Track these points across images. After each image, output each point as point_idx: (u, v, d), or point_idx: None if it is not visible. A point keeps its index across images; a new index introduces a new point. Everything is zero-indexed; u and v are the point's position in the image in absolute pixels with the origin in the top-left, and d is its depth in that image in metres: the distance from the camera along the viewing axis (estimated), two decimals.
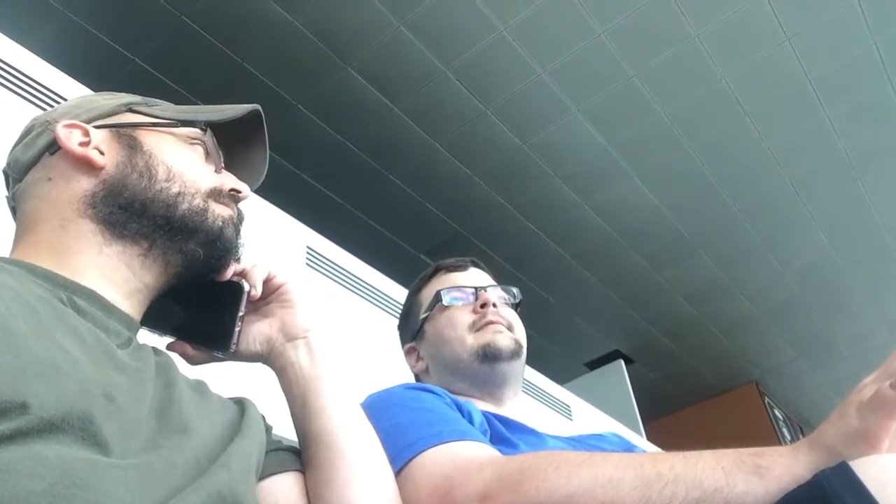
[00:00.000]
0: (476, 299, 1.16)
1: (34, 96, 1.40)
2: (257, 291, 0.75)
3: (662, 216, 3.56)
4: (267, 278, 0.77)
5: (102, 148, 0.69)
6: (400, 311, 1.32)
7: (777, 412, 5.13)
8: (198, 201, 0.70)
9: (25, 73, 1.40)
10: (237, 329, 0.74)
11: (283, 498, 0.69)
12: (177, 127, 0.74)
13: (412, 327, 1.22)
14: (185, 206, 0.68)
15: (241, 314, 0.74)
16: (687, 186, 3.40)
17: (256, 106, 0.79)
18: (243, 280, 0.75)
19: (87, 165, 0.68)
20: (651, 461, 0.68)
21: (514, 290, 1.22)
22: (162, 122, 0.73)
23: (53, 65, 1.47)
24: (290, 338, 0.77)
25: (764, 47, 2.77)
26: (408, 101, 2.85)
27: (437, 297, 1.17)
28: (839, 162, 3.36)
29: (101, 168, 0.68)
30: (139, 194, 0.67)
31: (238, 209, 0.76)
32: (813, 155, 3.31)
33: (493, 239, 3.58)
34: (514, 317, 1.18)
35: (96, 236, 0.66)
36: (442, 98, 2.84)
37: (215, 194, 0.72)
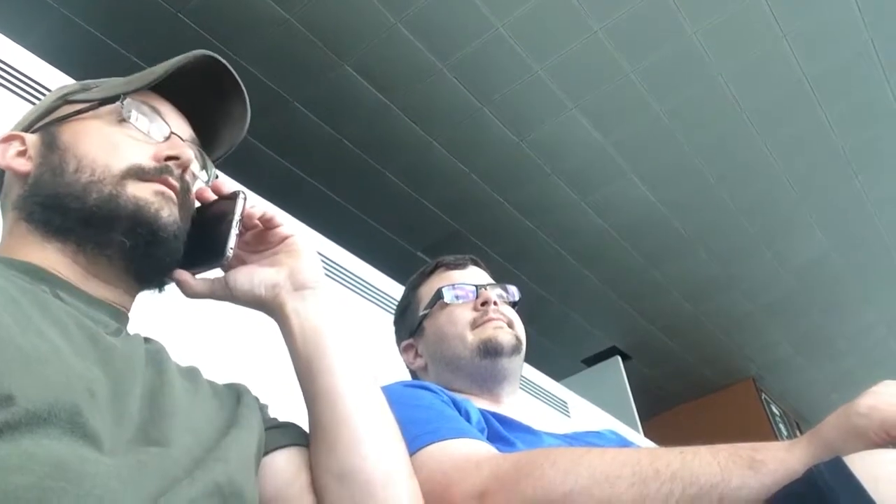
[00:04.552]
0: (477, 297, 1.16)
1: (31, 94, 1.39)
2: (257, 212, 0.74)
3: (660, 213, 3.56)
4: (273, 221, 0.75)
5: (32, 153, 0.70)
6: (396, 307, 1.32)
7: (774, 408, 5.14)
8: (107, 188, 0.66)
9: (22, 70, 1.40)
10: (234, 233, 0.71)
11: (280, 474, 0.68)
12: (97, 108, 0.71)
13: (410, 323, 1.22)
14: (94, 195, 0.65)
15: (238, 219, 0.72)
16: (684, 184, 3.40)
17: (202, 52, 0.74)
18: (240, 191, 0.73)
19: (16, 175, 0.70)
20: (648, 457, 0.68)
21: (513, 288, 1.23)
22: (84, 109, 0.72)
23: (50, 62, 1.47)
24: (298, 286, 0.74)
25: (760, 44, 2.77)
26: (404, 98, 2.85)
27: (439, 295, 1.17)
28: (837, 159, 3.37)
29: (27, 174, 0.69)
30: (51, 191, 0.67)
31: (180, 181, 0.71)
32: (810, 152, 3.31)
33: (490, 236, 3.58)
34: (513, 314, 1.19)
35: (33, 235, 0.67)
36: (439, 95, 2.84)
37: (134, 173, 0.67)
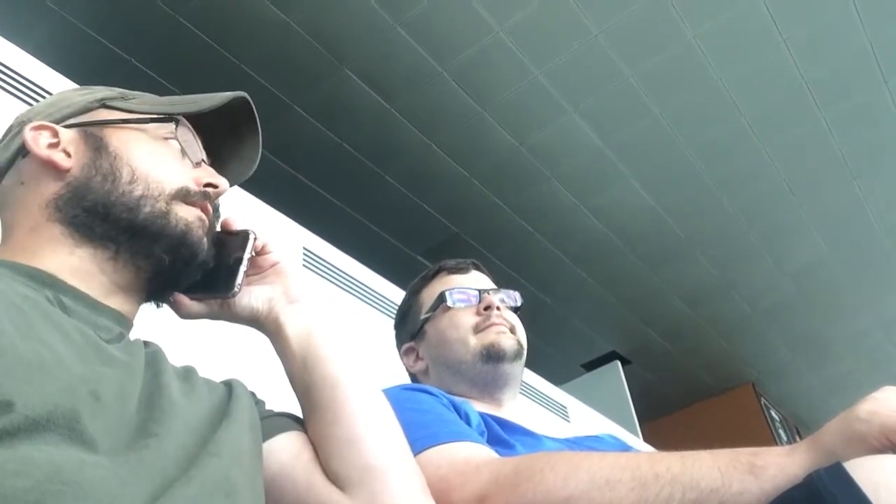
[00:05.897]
0: (479, 301, 1.16)
1: (31, 98, 1.39)
2: (262, 243, 0.77)
3: (659, 217, 3.57)
4: (265, 249, 0.78)
5: (70, 149, 0.68)
6: (397, 311, 1.32)
7: (773, 413, 5.14)
8: (160, 204, 0.67)
9: (22, 74, 1.40)
10: (243, 269, 0.74)
11: (282, 455, 0.69)
12: (148, 123, 0.72)
13: (411, 327, 1.22)
14: (147, 209, 0.66)
15: (248, 257, 0.75)
16: (683, 188, 3.41)
17: (241, 94, 0.77)
18: (251, 229, 0.77)
19: (53, 168, 0.67)
20: (648, 461, 0.68)
21: (515, 293, 1.23)
22: (132, 119, 0.72)
23: (50, 66, 1.47)
24: (293, 300, 0.77)
25: (760, 49, 2.78)
26: (404, 101, 2.85)
27: (441, 298, 1.17)
28: (835, 163, 3.37)
29: (67, 170, 0.67)
30: (102, 197, 0.66)
31: (213, 207, 0.74)
32: (809, 156, 3.32)
33: (489, 240, 3.58)
34: (515, 320, 1.19)
35: (66, 238, 0.65)
36: (438, 99, 2.84)
37: (182, 195, 0.69)
